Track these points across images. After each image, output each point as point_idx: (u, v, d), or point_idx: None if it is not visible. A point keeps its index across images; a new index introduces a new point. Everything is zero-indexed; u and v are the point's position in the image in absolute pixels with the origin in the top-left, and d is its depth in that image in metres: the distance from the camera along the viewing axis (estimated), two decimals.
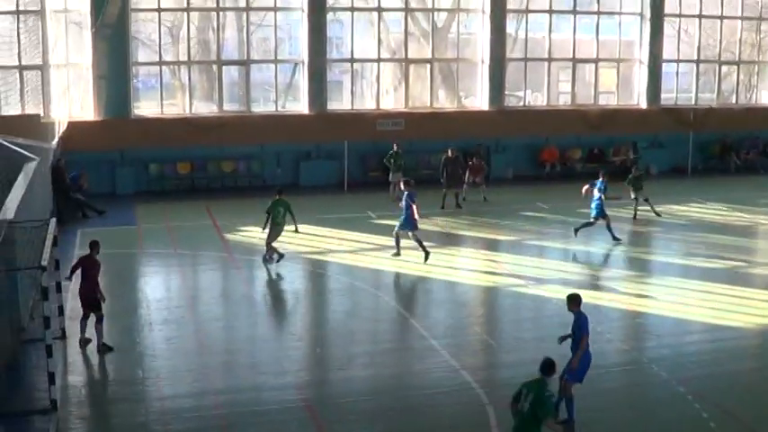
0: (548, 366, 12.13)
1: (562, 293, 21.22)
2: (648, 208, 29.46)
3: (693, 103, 40.60)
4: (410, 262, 24.32)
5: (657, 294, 21.97)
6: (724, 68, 41.39)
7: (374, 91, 37.20)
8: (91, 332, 17.69)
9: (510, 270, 23.79)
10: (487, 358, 18.03)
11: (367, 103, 37.48)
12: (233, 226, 28.15)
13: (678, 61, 40.32)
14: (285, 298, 21.94)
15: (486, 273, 23.76)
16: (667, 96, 40.13)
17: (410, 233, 24.28)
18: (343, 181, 34.95)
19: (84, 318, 17.91)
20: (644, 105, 39.47)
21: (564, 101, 39.94)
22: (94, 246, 18.17)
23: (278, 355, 17.67)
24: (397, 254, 24.55)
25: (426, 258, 23.93)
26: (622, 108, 39.44)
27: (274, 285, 23.10)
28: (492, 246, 26.89)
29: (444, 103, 38.42)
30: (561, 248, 26.83)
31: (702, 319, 19.83)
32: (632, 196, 29.52)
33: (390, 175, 32.43)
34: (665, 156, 39.06)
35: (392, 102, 37.87)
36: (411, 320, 19.74)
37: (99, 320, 17.68)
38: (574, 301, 14.72)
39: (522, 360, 17.25)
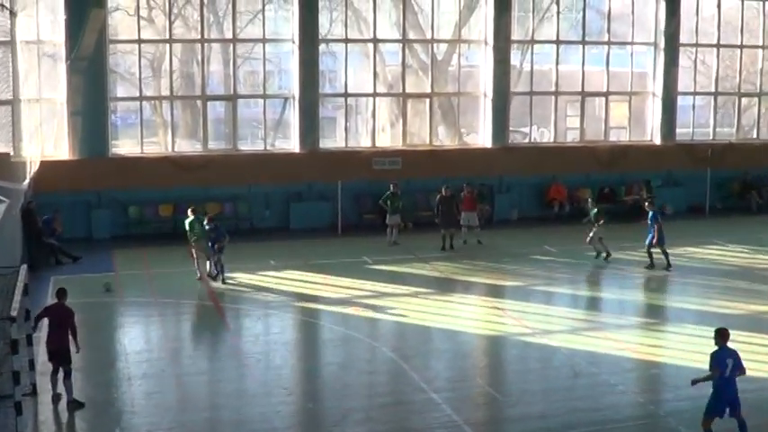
0: None
1: (571, 343, 21.44)
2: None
3: (711, 138, 40.87)
4: (409, 310, 24.40)
5: (674, 343, 21.97)
6: (744, 101, 41.64)
7: (370, 128, 37.38)
8: (63, 387, 17.66)
9: (515, 318, 23.79)
10: (492, 412, 17.98)
11: (362, 141, 37.59)
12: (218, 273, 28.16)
13: (695, 94, 40.62)
14: (275, 349, 21.86)
15: (490, 321, 23.73)
16: (683, 131, 40.38)
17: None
18: (337, 224, 34.93)
19: (55, 372, 17.79)
20: (658, 141, 39.66)
21: (572, 137, 40.11)
22: (62, 294, 18.13)
23: (267, 411, 17.58)
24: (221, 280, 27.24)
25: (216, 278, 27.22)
26: (635, 144, 39.68)
27: (263, 336, 23.07)
28: (496, 292, 26.91)
29: (444, 140, 38.60)
30: (570, 294, 26.91)
31: None
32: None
33: (387, 217, 32.41)
34: (682, 194, 39.11)
35: (389, 139, 38.00)
36: (410, 372, 19.67)
37: (67, 375, 17.56)
38: (722, 335, 15.36)
39: (529, 414, 17.27)
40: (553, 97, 38.78)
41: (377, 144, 37.10)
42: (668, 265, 28.33)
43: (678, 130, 40.02)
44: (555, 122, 39.13)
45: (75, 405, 17.47)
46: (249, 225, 34.94)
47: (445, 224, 31.50)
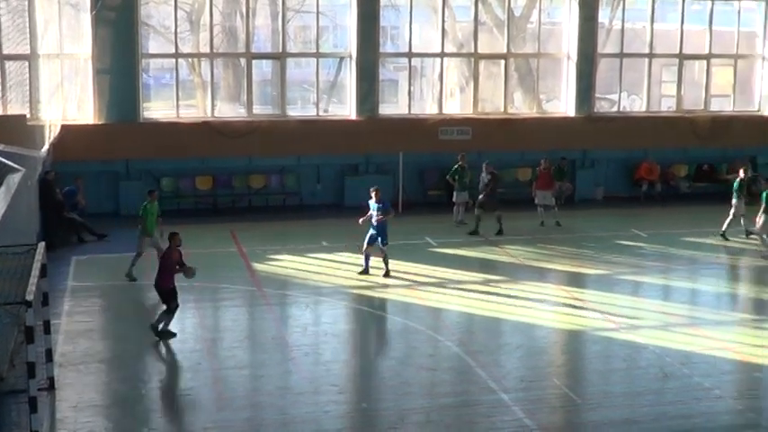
0: None
1: (661, 340, 21.39)
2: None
3: None
4: (478, 300, 24.48)
5: None
6: None
7: (436, 92, 37.28)
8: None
9: (598, 311, 23.79)
10: (569, 416, 18.02)
11: (427, 107, 37.64)
12: (263, 254, 28.38)
13: None
14: (325, 341, 21.99)
15: (569, 314, 23.73)
16: None
17: (384, 246, 26.48)
18: (398, 201, 35.02)
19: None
20: (767, 112, 39.26)
21: (668, 106, 39.83)
22: (174, 237, 21.74)
23: (315, 411, 17.74)
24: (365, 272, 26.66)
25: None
26: (739, 115, 39.25)
27: (312, 326, 23.22)
28: (576, 281, 26.91)
29: (521, 107, 38.52)
30: (661, 285, 26.84)
31: None
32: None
33: (455, 194, 32.58)
34: None
35: (458, 106, 38.02)
36: (477, 369, 19.75)
37: (168, 311, 21.46)
38: None
39: (611, 419, 17.29)
40: (647, 60, 38.47)
41: (444, 111, 37.07)
42: None
43: None
44: (648, 89, 38.82)
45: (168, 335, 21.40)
46: (298, 201, 35.17)
47: (487, 205, 31.41)
